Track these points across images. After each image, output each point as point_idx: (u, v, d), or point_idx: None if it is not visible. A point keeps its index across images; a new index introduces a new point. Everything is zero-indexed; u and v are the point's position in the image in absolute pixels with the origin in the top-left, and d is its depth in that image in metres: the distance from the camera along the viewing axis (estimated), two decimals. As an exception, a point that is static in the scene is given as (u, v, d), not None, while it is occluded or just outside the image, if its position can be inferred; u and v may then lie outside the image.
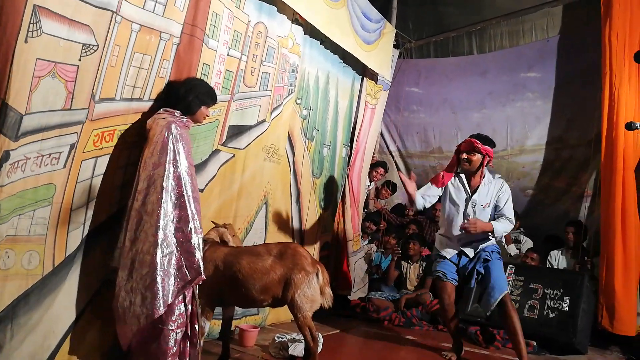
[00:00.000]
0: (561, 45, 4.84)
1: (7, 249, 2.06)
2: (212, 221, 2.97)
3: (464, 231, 3.08)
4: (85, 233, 2.37)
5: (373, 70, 4.75)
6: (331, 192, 4.49)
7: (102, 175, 2.42)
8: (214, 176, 3.13)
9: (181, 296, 2.31)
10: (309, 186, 4.18)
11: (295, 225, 4.05)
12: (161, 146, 2.34)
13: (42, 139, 2.12)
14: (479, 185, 3.19)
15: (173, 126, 2.39)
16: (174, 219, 2.30)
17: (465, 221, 3.08)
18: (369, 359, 3.28)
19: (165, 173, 2.30)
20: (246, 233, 3.48)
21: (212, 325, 3.00)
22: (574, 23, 4.80)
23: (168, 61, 2.66)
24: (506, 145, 5.18)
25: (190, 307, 2.36)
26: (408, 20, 5.74)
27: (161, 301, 2.21)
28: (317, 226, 4.31)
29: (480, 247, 3.17)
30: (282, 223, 3.89)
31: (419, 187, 3.28)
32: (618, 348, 3.77)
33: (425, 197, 3.24)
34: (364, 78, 4.78)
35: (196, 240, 2.34)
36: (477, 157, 3.15)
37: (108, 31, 2.31)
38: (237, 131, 3.32)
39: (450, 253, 3.23)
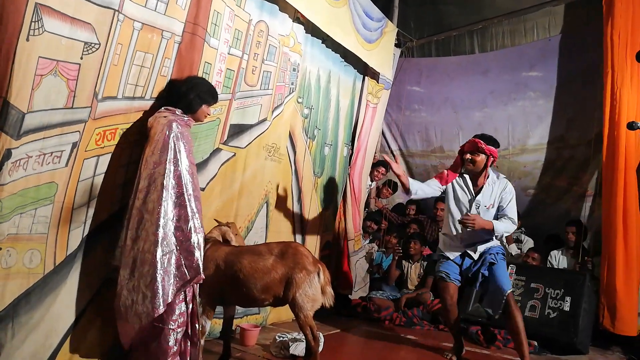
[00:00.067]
0: (563, 45, 4.83)
1: (8, 248, 2.06)
2: (215, 219, 2.97)
3: (462, 225, 3.06)
4: (87, 232, 2.36)
5: (374, 69, 4.74)
6: (332, 192, 4.49)
7: (103, 174, 2.42)
8: (215, 175, 3.13)
9: (182, 295, 2.32)
10: (310, 185, 4.18)
11: (297, 224, 4.05)
12: (162, 145, 2.34)
13: (44, 138, 2.12)
14: (483, 186, 3.16)
15: (174, 125, 2.39)
16: (174, 218, 2.30)
17: (466, 215, 3.06)
18: (369, 358, 3.28)
19: (166, 171, 2.30)
20: (247, 232, 3.48)
21: (213, 325, 3.00)
22: (576, 22, 4.79)
23: (170, 60, 2.65)
24: (508, 145, 5.18)
25: (190, 306, 2.36)
26: (409, 19, 5.73)
27: (161, 300, 2.21)
28: (318, 225, 4.31)
29: (485, 248, 3.13)
30: (283, 222, 3.89)
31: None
32: (619, 348, 3.77)
33: (422, 186, 3.20)
34: (366, 77, 4.78)
35: (196, 239, 2.34)
36: (481, 158, 3.12)
37: (110, 29, 2.31)
38: (238, 130, 3.31)
39: (453, 254, 3.20)
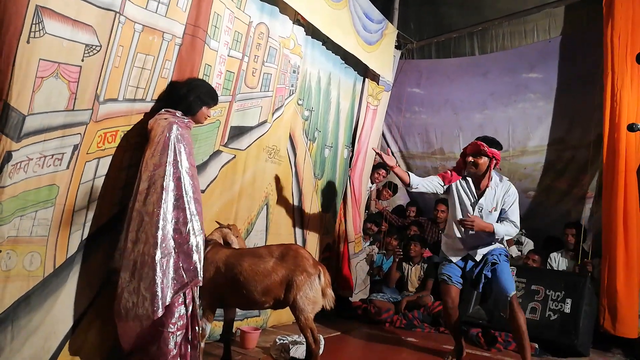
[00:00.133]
0: (563, 46, 4.82)
1: (8, 250, 2.05)
2: (216, 221, 2.97)
3: (462, 227, 3.05)
4: (86, 234, 2.36)
5: (375, 71, 4.74)
6: (333, 194, 4.48)
7: (104, 176, 2.41)
8: (215, 177, 3.13)
9: (181, 298, 2.31)
10: (310, 187, 4.17)
11: (297, 226, 4.04)
12: (162, 147, 2.34)
13: (44, 140, 2.12)
14: (486, 189, 3.12)
15: (174, 127, 2.39)
16: (173, 220, 2.30)
17: (467, 215, 3.05)
18: (370, 360, 3.28)
19: (166, 173, 2.30)
20: (247, 234, 3.48)
21: (213, 327, 3.00)
22: (576, 24, 4.79)
23: (170, 62, 2.65)
24: (508, 147, 5.16)
25: (190, 308, 2.35)
26: (409, 21, 5.73)
27: (160, 302, 2.21)
28: (318, 227, 4.30)
29: (488, 250, 3.11)
30: (284, 224, 3.88)
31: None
32: (620, 350, 3.76)
33: (423, 181, 3.18)
34: (366, 79, 4.78)
35: (194, 242, 2.33)
36: (483, 160, 3.08)
37: (111, 32, 2.31)
38: (239, 132, 3.31)
39: (456, 256, 3.19)
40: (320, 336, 2.78)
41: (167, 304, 2.23)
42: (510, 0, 5.10)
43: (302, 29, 3.79)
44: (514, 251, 4.63)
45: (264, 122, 3.52)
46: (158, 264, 2.22)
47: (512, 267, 4.04)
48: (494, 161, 3.10)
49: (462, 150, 3.25)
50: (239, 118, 3.30)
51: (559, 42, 4.86)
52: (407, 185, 3.19)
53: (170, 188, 2.30)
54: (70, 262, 2.29)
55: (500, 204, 3.12)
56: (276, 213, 3.77)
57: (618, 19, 4.06)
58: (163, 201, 2.27)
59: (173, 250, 2.28)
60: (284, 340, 3.03)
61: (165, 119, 2.44)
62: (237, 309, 2.99)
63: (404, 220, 5.50)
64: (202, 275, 2.37)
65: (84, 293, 2.36)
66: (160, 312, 2.21)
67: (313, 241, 4.24)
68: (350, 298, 4.56)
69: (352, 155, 4.73)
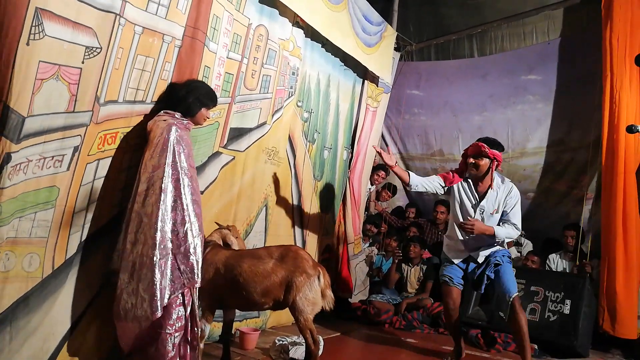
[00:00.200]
0: (562, 48, 4.83)
1: (7, 251, 2.05)
2: (215, 222, 2.97)
3: (463, 231, 3.05)
4: (85, 236, 2.36)
5: (374, 73, 4.75)
6: (332, 195, 4.49)
7: (104, 178, 2.41)
8: (214, 179, 3.13)
9: (179, 299, 2.31)
10: (310, 189, 4.18)
11: (296, 227, 4.05)
12: (161, 148, 2.35)
13: (44, 142, 2.12)
14: (487, 191, 3.10)
15: (173, 128, 2.40)
16: (171, 221, 2.30)
17: (468, 218, 3.04)
18: (369, 362, 3.28)
19: (165, 175, 2.30)
20: (246, 236, 3.48)
21: (212, 328, 2.99)
22: (575, 26, 4.80)
23: (170, 63, 2.66)
24: (507, 148, 5.16)
25: (189, 310, 2.35)
26: (409, 23, 5.74)
27: (158, 303, 2.21)
28: (318, 229, 4.31)
29: (490, 252, 3.10)
30: (283, 226, 3.88)
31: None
32: (620, 351, 3.77)
33: (423, 181, 3.17)
34: (365, 81, 4.79)
35: (192, 243, 2.33)
36: (485, 162, 3.04)
37: (111, 34, 2.31)
38: (238, 133, 3.32)
39: (457, 258, 3.18)
40: (320, 337, 2.78)
41: (165, 304, 2.23)
42: (509, 2, 5.11)
43: (301, 31, 3.80)
44: (513, 252, 4.63)
45: (264, 123, 3.53)
46: (156, 265, 2.22)
47: (512, 269, 4.05)
48: (495, 162, 3.06)
49: (462, 152, 3.24)
50: (238, 120, 3.31)
51: (558, 44, 4.86)
52: (407, 184, 3.18)
53: (168, 189, 2.31)
54: (69, 264, 2.30)
55: (502, 206, 3.10)
56: (275, 214, 3.77)
57: (617, 21, 4.07)
58: (162, 202, 2.27)
59: (171, 252, 2.28)
60: (283, 341, 3.03)
61: (165, 120, 2.44)
62: (237, 310, 2.99)
63: (403, 221, 5.50)
64: (200, 277, 2.37)
65: (82, 294, 2.36)
66: (159, 313, 2.21)
67: (312, 242, 4.24)
68: (349, 299, 4.56)
69: (352, 156, 4.74)
